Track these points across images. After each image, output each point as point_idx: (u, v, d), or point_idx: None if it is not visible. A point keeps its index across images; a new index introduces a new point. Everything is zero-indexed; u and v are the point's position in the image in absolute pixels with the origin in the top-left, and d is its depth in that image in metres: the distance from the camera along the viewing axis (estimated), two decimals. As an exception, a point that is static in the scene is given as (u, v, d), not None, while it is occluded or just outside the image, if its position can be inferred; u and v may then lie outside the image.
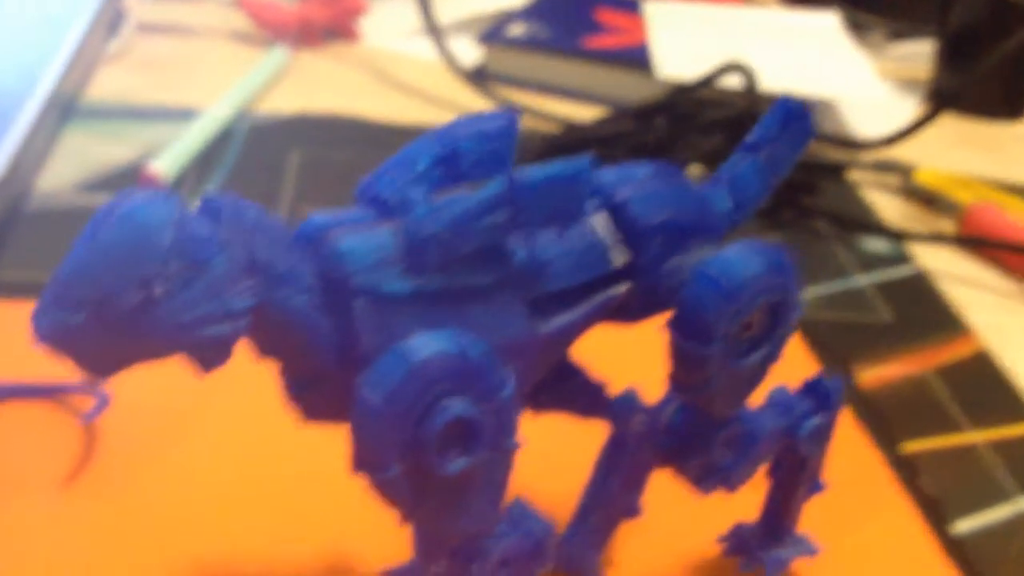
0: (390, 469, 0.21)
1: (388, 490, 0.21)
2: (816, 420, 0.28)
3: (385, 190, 0.23)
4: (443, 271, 0.22)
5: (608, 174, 0.25)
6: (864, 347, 0.44)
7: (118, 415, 0.34)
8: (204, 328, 0.20)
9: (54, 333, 0.19)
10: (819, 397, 0.29)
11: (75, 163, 0.50)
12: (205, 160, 0.51)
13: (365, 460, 0.21)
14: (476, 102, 0.61)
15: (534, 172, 0.23)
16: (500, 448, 0.22)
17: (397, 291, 0.22)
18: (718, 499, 0.29)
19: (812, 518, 0.31)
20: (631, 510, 0.30)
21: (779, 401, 0.28)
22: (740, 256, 0.25)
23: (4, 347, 0.36)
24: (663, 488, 0.30)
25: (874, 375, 0.42)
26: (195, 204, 0.21)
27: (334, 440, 0.32)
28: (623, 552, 0.31)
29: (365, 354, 0.21)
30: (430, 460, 0.21)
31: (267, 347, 0.22)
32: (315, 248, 0.22)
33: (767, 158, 0.27)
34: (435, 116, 0.59)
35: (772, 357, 0.26)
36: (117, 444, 0.33)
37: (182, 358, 0.21)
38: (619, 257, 0.25)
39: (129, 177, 0.49)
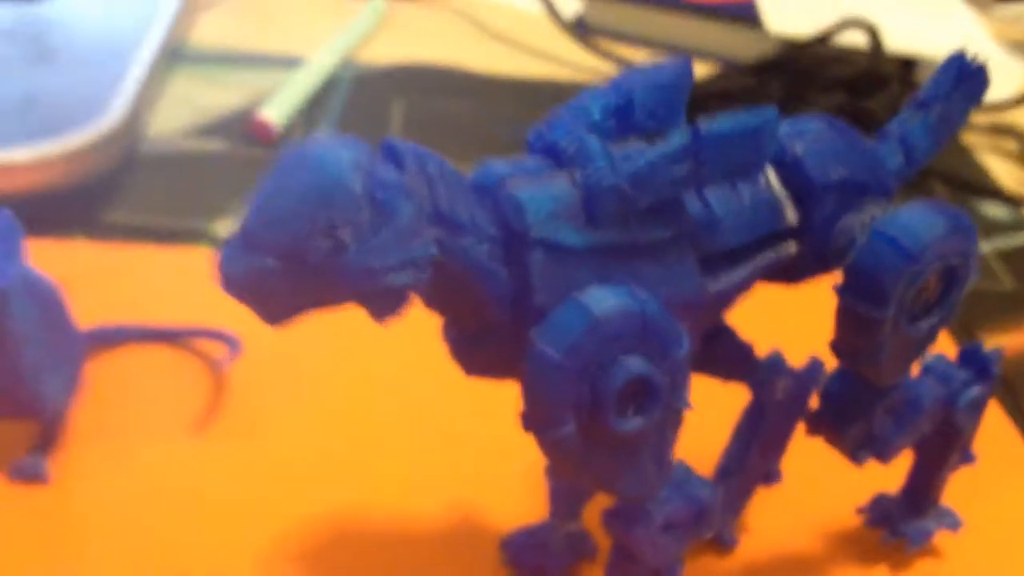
0: (564, 426, 0.20)
1: (560, 448, 0.21)
2: (976, 390, 0.27)
3: (560, 140, 0.22)
4: (619, 224, 0.22)
5: (781, 127, 0.24)
6: (987, 316, 0.43)
7: (249, 363, 0.33)
8: (389, 276, 0.19)
9: (244, 278, 0.19)
10: (977, 366, 0.28)
11: (183, 109, 0.49)
12: (312, 109, 0.51)
13: (538, 417, 0.21)
14: (577, 55, 0.60)
15: (719, 124, 0.22)
16: (672, 408, 0.21)
17: (574, 243, 0.21)
18: (857, 469, 0.28)
19: (950, 492, 0.30)
20: (770, 476, 0.30)
21: (939, 370, 0.27)
22: (922, 216, 0.24)
23: (121, 289, 0.36)
24: (802, 455, 0.30)
25: (999, 344, 0.41)
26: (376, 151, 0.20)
27: (465, 393, 0.31)
28: (759, 518, 0.30)
29: (539, 307, 0.21)
30: (607, 419, 0.21)
31: (438, 298, 0.21)
32: (493, 197, 0.21)
33: (938, 115, 0.26)
34: (535, 68, 0.58)
35: (943, 323, 0.25)
36: (248, 392, 0.33)
37: (351, 306, 0.20)
38: (791, 215, 0.24)
39: (238, 123, 0.48)
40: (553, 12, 0.59)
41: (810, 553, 0.30)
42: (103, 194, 0.42)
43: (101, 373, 0.33)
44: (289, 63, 0.54)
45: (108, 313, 0.34)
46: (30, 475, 0.29)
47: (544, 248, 0.21)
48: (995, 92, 0.58)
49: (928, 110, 0.26)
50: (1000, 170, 0.54)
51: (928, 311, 0.25)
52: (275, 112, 0.48)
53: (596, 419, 0.21)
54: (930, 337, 0.25)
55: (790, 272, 0.25)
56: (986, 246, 0.48)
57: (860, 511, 0.30)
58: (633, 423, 0.21)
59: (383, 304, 0.20)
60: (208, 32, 0.57)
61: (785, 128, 0.24)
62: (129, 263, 0.38)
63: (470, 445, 0.32)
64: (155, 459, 0.30)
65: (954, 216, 0.24)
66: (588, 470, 0.21)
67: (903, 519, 0.30)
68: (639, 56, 0.60)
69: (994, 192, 0.51)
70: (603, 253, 0.21)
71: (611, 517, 0.23)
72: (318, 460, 0.31)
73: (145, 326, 0.34)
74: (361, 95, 0.53)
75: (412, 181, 0.20)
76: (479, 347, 0.22)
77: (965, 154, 0.55)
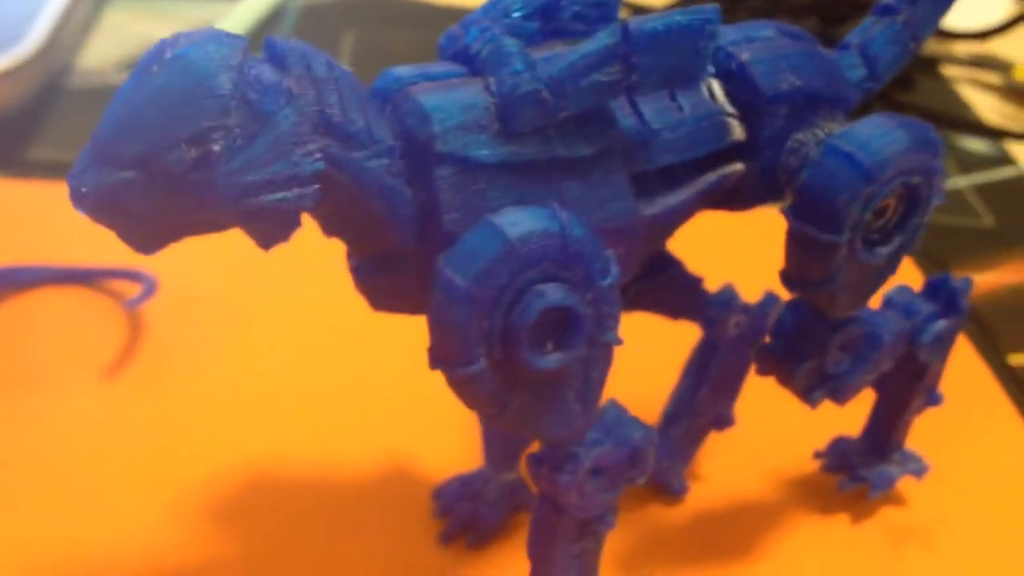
0: (475, 363, 0.18)
1: (471, 387, 0.19)
2: (941, 324, 0.25)
3: (474, 43, 0.20)
4: (539, 137, 0.19)
5: (725, 33, 0.22)
6: (964, 252, 0.40)
7: (164, 302, 0.31)
8: (267, 193, 0.17)
9: (97, 195, 0.16)
10: (944, 299, 0.26)
11: (116, 41, 0.47)
12: (256, 42, 0.48)
13: (446, 352, 0.18)
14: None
15: (651, 21, 0.20)
16: (599, 343, 0.19)
17: (486, 158, 0.19)
18: (815, 411, 0.26)
19: (915, 434, 0.28)
20: (722, 420, 0.28)
21: (901, 302, 0.25)
22: (880, 129, 0.21)
23: (41, 229, 0.34)
24: (755, 397, 0.28)
25: (976, 282, 0.38)
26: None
27: (396, 332, 0.29)
28: (711, 465, 0.28)
29: (448, 230, 0.18)
30: (521, 353, 0.18)
31: (334, 221, 0.19)
32: (394, 106, 0.19)
33: (905, 21, 0.24)
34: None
35: (905, 249, 0.23)
36: (163, 333, 0.31)
37: (238, 231, 0.18)
38: (736, 130, 0.22)
39: (174, 55, 0.46)
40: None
41: (765, 501, 0.28)
42: (24, 128, 0.39)
43: (10, 316, 0.30)
44: (232, -7, 0.51)
45: (23, 254, 0.32)
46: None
47: (452, 163, 0.18)
48: (977, 21, 0.56)
49: (893, 16, 0.24)
50: (981, 103, 0.52)
51: (887, 236, 0.22)
52: (213, 42, 0.45)
53: (511, 354, 0.18)
54: (890, 265, 0.23)
55: (738, 196, 0.23)
56: (966, 181, 0.46)
57: (818, 455, 0.28)
58: (552, 359, 0.19)
59: (264, 226, 0.17)
60: (148, -39, 0.54)
61: (732, 35, 0.22)
62: (50, 201, 0.35)
63: (400, 389, 0.30)
64: (68, 405, 0.28)
65: (917, 129, 0.22)
66: (504, 411, 0.19)
67: (864, 464, 0.28)
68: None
69: (975, 126, 0.48)
70: (520, 170, 0.19)
71: (535, 462, 0.21)
72: (238, 405, 0.29)
73: (55, 267, 0.32)
74: (310, 26, 0.50)
75: (296, 84, 0.17)
76: (382, 276, 0.20)
77: (945, 86, 0.53)
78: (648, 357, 0.27)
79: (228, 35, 0.17)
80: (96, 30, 0.47)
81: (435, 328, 0.18)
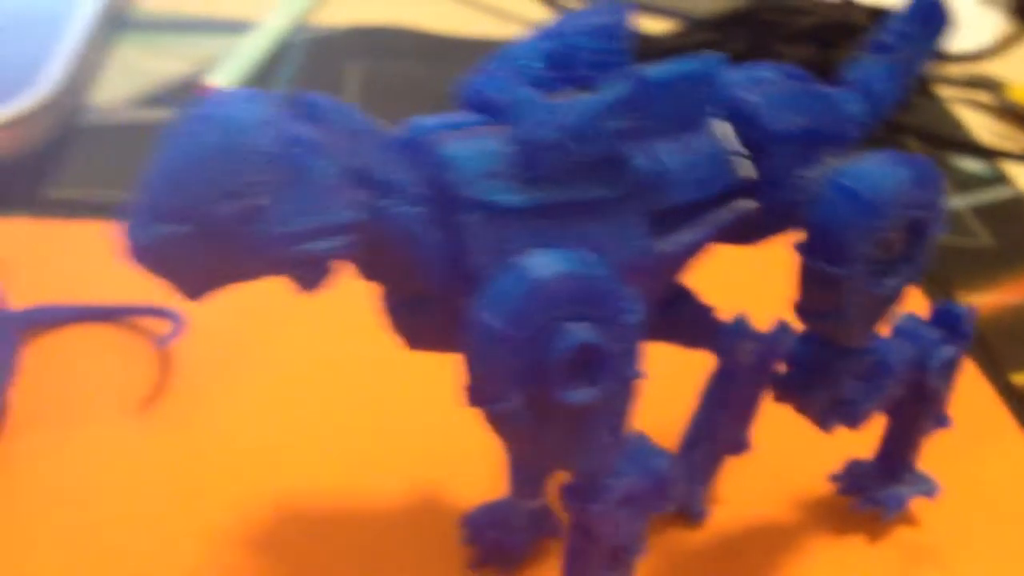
0: (509, 400, 0.19)
1: (504, 422, 0.19)
2: (948, 350, 0.26)
3: (493, 92, 0.21)
4: (559, 182, 0.20)
5: (730, 76, 0.23)
6: (964, 273, 0.41)
7: (194, 340, 0.32)
8: (307, 243, 0.18)
9: (149, 248, 0.17)
10: (950, 325, 0.26)
11: (128, 78, 0.47)
12: (263, 75, 0.49)
13: (482, 390, 0.19)
14: (538, 13, 0.58)
15: (660, 71, 0.20)
16: (624, 378, 0.20)
17: (510, 203, 0.20)
18: (829, 436, 0.27)
19: (926, 457, 0.29)
20: (738, 445, 0.28)
21: (909, 330, 0.26)
22: (882, 166, 0.22)
23: (63, 267, 0.35)
24: (772, 423, 0.28)
25: (977, 302, 0.39)
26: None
27: (421, 368, 0.30)
28: (729, 489, 0.29)
29: (475, 272, 0.19)
30: (553, 390, 0.19)
31: (369, 266, 0.20)
32: (420, 155, 0.20)
33: (901, 59, 0.25)
34: (497, 28, 0.56)
35: (910, 280, 0.24)
36: (193, 370, 0.31)
37: (278, 278, 0.19)
38: (745, 168, 0.22)
39: (185, 92, 0.46)
40: (515, -30, 0.57)
41: (783, 523, 0.29)
42: (43, 168, 0.40)
43: (41, 355, 0.31)
44: (239, 28, 0.52)
45: (49, 293, 0.32)
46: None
47: (477, 209, 0.19)
48: (970, 43, 0.57)
49: (890, 53, 0.25)
50: (976, 123, 0.53)
51: (894, 267, 0.23)
52: (224, 78, 0.46)
53: (543, 391, 0.19)
54: (897, 295, 0.24)
55: (747, 231, 0.23)
56: (962, 201, 0.47)
57: (833, 478, 0.29)
58: (582, 394, 0.19)
59: (305, 273, 0.18)
60: (156, -2, 0.55)
61: (738, 78, 0.23)
62: (71, 240, 0.36)
63: (428, 421, 0.30)
64: (99, 441, 0.29)
65: (918, 165, 0.22)
66: (538, 445, 0.20)
67: (877, 486, 0.29)
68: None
69: (970, 146, 0.50)
70: (543, 213, 0.20)
71: (567, 493, 0.21)
72: (268, 439, 0.30)
73: (86, 305, 0.32)
74: (316, 59, 0.51)
75: (330, 138, 0.18)
76: (416, 317, 0.21)
77: (939, 107, 0.54)
78: (666, 385, 0.28)
79: (264, 93, 0.18)
80: (106, 68, 0.48)
81: (471, 367, 0.19)
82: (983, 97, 0.56)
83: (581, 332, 0.19)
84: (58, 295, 0.32)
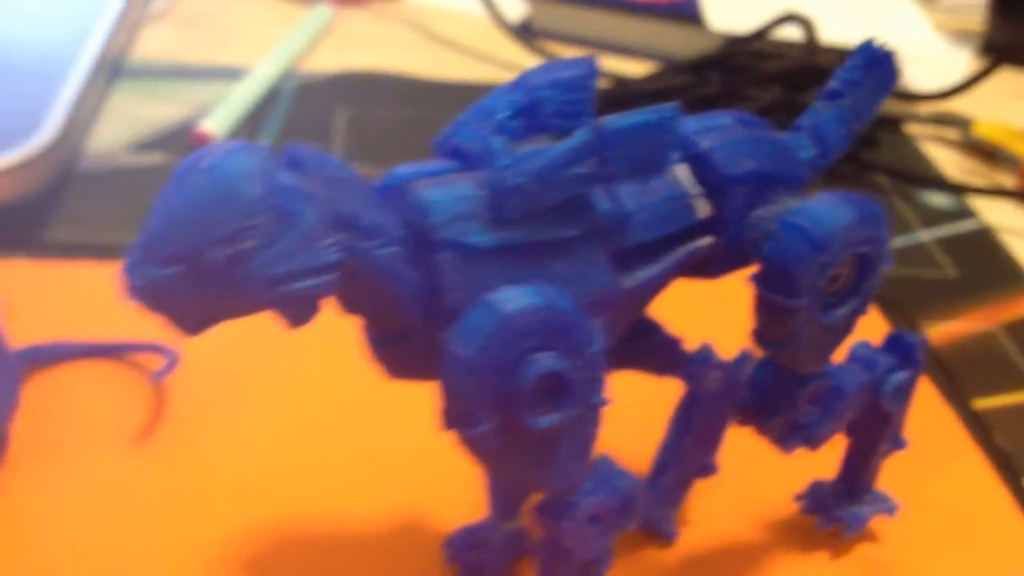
0: (480, 424, 0.21)
1: (478, 446, 0.21)
2: (900, 375, 0.28)
3: (465, 141, 0.22)
4: (527, 223, 0.22)
5: (688, 123, 0.25)
6: (929, 303, 0.43)
7: (187, 374, 0.33)
8: (294, 283, 0.19)
9: (147, 288, 0.19)
10: (902, 352, 0.28)
11: (124, 123, 0.49)
12: (254, 120, 0.51)
13: (455, 415, 0.21)
14: (522, 58, 0.60)
15: (619, 120, 0.22)
16: (589, 404, 0.22)
17: (481, 244, 0.21)
18: (793, 457, 0.29)
19: (886, 476, 0.31)
20: (706, 468, 0.30)
21: (862, 356, 0.28)
22: (829, 205, 0.24)
23: (61, 306, 0.36)
24: (738, 446, 0.30)
25: (941, 331, 0.41)
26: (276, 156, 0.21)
27: (403, 399, 0.31)
28: (698, 510, 0.31)
29: (450, 307, 0.21)
30: (521, 415, 0.21)
31: (352, 302, 0.22)
32: (399, 200, 0.21)
33: (850, 105, 0.27)
34: (480, 73, 0.58)
35: (860, 310, 0.25)
36: (186, 403, 0.33)
37: (267, 315, 0.20)
38: (703, 209, 0.24)
39: (179, 137, 0.48)
40: (497, 16, 0.60)
41: (750, 541, 0.30)
42: (42, 212, 0.42)
43: (40, 391, 0.32)
44: (232, 74, 0.54)
45: (49, 331, 0.34)
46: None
47: (452, 249, 0.21)
48: (937, 81, 0.59)
49: (840, 100, 0.26)
50: (943, 159, 0.55)
51: (843, 299, 0.25)
52: (216, 124, 0.48)
53: (512, 416, 0.21)
54: (848, 325, 0.25)
55: (707, 266, 0.25)
56: (928, 235, 0.48)
57: (797, 498, 0.31)
58: (548, 419, 0.21)
59: (292, 310, 0.20)
60: (148, 46, 0.57)
61: (693, 125, 0.25)
62: (69, 280, 0.38)
63: (409, 449, 0.32)
64: (96, 473, 0.30)
65: (862, 204, 0.24)
66: (508, 466, 0.21)
67: (839, 505, 0.30)
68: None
69: (937, 181, 0.51)
70: (512, 252, 0.22)
71: (540, 511, 0.23)
72: (258, 469, 0.31)
73: (82, 342, 0.34)
74: (304, 104, 0.53)
75: (313, 186, 0.20)
76: (396, 349, 0.22)
77: (908, 144, 0.56)
78: (636, 412, 0.30)
79: (254, 146, 0.20)
80: (102, 113, 0.50)
81: (445, 394, 0.21)
82: (950, 134, 0.58)
83: (547, 361, 0.21)
84: (56, 333, 0.34)
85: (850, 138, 0.27)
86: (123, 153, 0.47)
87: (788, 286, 0.24)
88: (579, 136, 0.21)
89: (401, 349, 0.22)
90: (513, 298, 0.21)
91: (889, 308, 0.41)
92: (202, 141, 0.47)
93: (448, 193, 0.21)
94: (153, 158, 0.47)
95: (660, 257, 0.24)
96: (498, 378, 0.20)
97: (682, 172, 0.24)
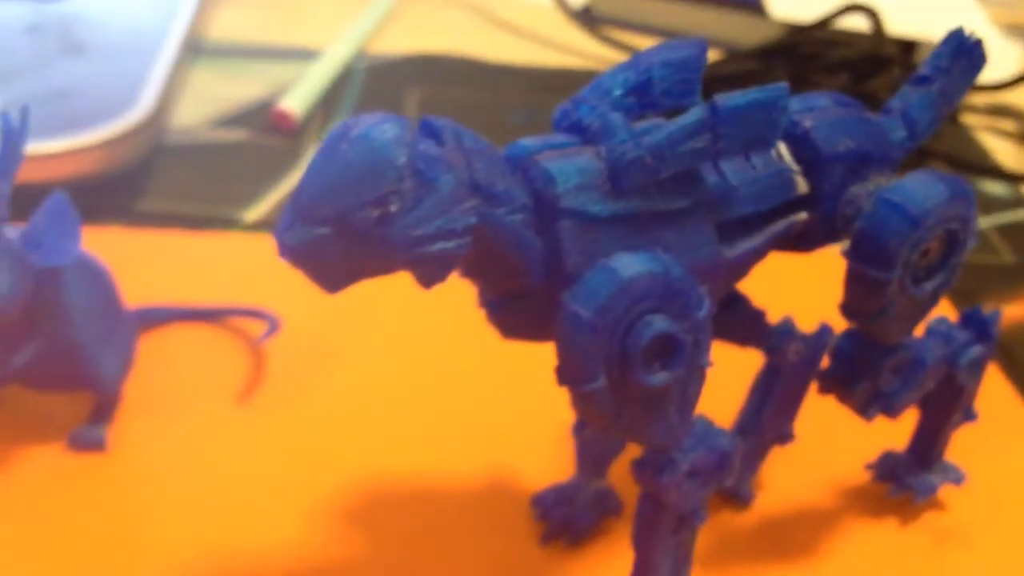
0: (596, 381, 0.22)
1: (592, 401, 0.22)
2: (976, 350, 0.29)
3: (585, 117, 0.24)
4: (641, 194, 0.23)
5: (791, 104, 0.26)
6: (987, 287, 0.44)
7: (286, 338, 0.35)
8: (432, 244, 0.21)
9: (299, 248, 0.20)
10: (977, 328, 0.29)
11: (204, 101, 0.51)
12: (329, 99, 0.52)
13: (572, 372, 0.22)
14: (584, 44, 0.61)
15: (734, 98, 0.24)
16: (695, 365, 0.23)
17: (600, 212, 0.23)
18: (864, 428, 0.30)
19: (954, 449, 0.32)
20: (783, 436, 0.31)
21: (941, 331, 0.29)
22: (924, 184, 0.25)
23: (161, 274, 0.38)
24: (814, 416, 0.31)
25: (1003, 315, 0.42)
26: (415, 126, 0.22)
27: (499, 363, 0.33)
28: (774, 476, 0.32)
29: (569, 272, 0.22)
30: (634, 373, 0.22)
31: (476, 265, 0.23)
32: (524, 170, 0.23)
33: (938, 90, 0.28)
34: (544, 57, 0.60)
35: (945, 285, 0.27)
36: (286, 365, 0.35)
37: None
38: (802, 185, 0.26)
39: (259, 114, 0.50)
40: (561, 2, 0.61)
41: (822, 507, 0.32)
42: (135, 183, 0.44)
43: (150, 350, 0.34)
44: (304, 55, 0.56)
45: (146, 296, 0.36)
46: (88, 444, 0.31)
47: (573, 217, 0.22)
48: (993, 74, 0.60)
49: (929, 85, 0.28)
50: (999, 149, 0.56)
51: (931, 273, 0.26)
52: (294, 102, 0.50)
53: (625, 374, 0.22)
54: (933, 298, 0.27)
55: (802, 240, 0.26)
56: (986, 222, 0.49)
57: (868, 467, 0.32)
58: (659, 377, 0.22)
59: (429, 271, 0.21)
60: (225, 27, 0.59)
61: (795, 104, 0.26)
62: (163, 248, 0.40)
63: (501, 410, 0.34)
64: (203, 428, 0.32)
65: (954, 183, 0.25)
66: (618, 421, 0.23)
67: (909, 474, 0.31)
68: (644, 44, 0.61)
69: (993, 170, 0.52)
70: (627, 221, 0.23)
71: (640, 466, 0.24)
72: (354, 428, 0.33)
73: (188, 306, 0.36)
74: (376, 84, 0.55)
75: (450, 154, 0.21)
76: (514, 310, 0.24)
77: (965, 134, 0.57)
78: (721, 380, 0.31)
79: (398, 117, 0.21)
80: (185, 92, 0.51)
81: (563, 352, 0.22)
82: (1007, 124, 0.58)
83: (659, 323, 0.22)
84: (155, 298, 0.36)
85: (937, 122, 0.28)
86: (205, 129, 0.49)
87: (883, 259, 0.25)
88: (695, 113, 0.23)
89: (519, 311, 0.24)
90: (631, 264, 0.22)
91: (952, 291, 0.43)
92: (282, 119, 0.49)
93: (570, 165, 0.23)
94: (234, 134, 0.48)
95: (760, 229, 0.25)
96: (614, 337, 0.22)
97: (783, 149, 0.26)
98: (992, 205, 0.51)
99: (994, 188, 0.52)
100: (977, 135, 0.57)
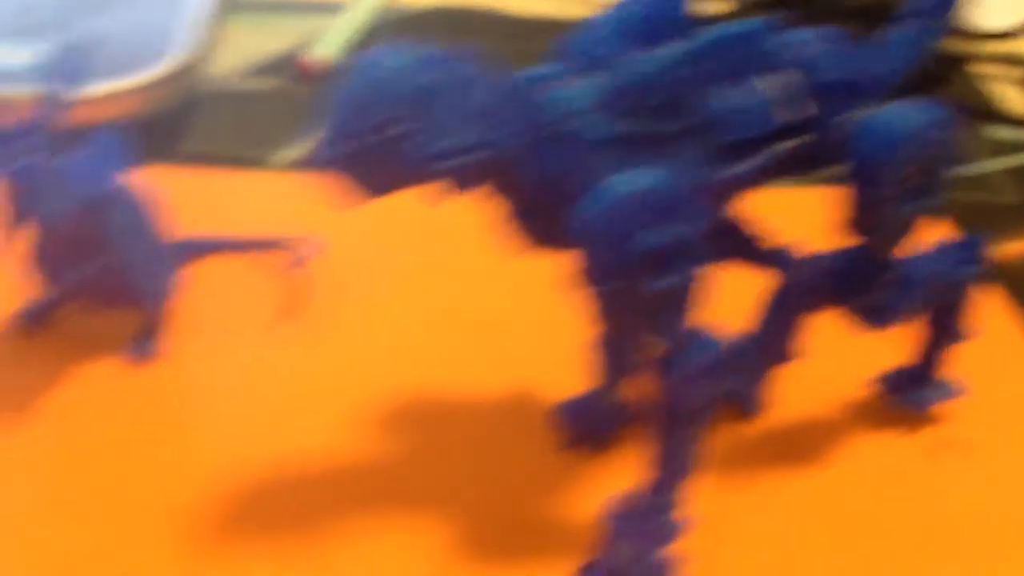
0: (605, 284, 0.24)
1: (605, 303, 0.25)
2: (964, 269, 0.31)
3: (587, 48, 0.26)
4: (639, 117, 0.26)
5: (785, 35, 0.28)
6: (994, 226, 0.46)
7: (325, 264, 0.38)
8: (443, 160, 0.23)
9: (331, 159, 0.23)
10: (967, 249, 0.31)
11: (237, 52, 0.53)
12: (355, 51, 0.54)
13: (587, 276, 0.24)
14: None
15: (713, 32, 0.26)
16: (694, 273, 0.25)
17: (603, 134, 0.25)
18: (866, 346, 0.32)
19: (960, 370, 0.34)
20: (790, 353, 0.33)
21: (935, 252, 0.31)
22: (906, 110, 0.28)
23: (204, 208, 0.40)
24: (818, 335, 0.33)
25: (1010, 250, 0.44)
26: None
27: (524, 289, 0.35)
28: (779, 390, 0.34)
29: (574, 189, 0.25)
30: (640, 278, 0.24)
31: (491, 183, 0.26)
32: (531, 96, 0.25)
33: (923, 24, 0.30)
34: (568, 9, 0.61)
35: (931, 202, 0.29)
36: (324, 290, 0.37)
37: (432, 188, 0.24)
38: (793, 112, 0.28)
39: (290, 65, 0.52)
40: (581, -44, 0.62)
41: (826, 419, 0.34)
42: (174, 126, 0.46)
43: (196, 278, 0.37)
44: (333, 9, 0.58)
45: (190, 228, 0.38)
46: (140, 354, 0.33)
47: (575, 138, 0.25)
48: (1001, 22, 0.61)
49: (914, 19, 0.30)
50: (1010, 97, 0.57)
51: (916, 193, 0.28)
52: (323, 52, 0.52)
53: (632, 278, 0.24)
54: (916, 218, 0.29)
55: (798, 164, 0.28)
56: (994, 164, 0.51)
57: (870, 382, 0.34)
58: (663, 282, 0.25)
59: (447, 182, 0.24)
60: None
61: (791, 37, 0.28)
62: (205, 185, 0.42)
63: (525, 325, 0.36)
64: (248, 345, 0.35)
65: (933, 110, 0.28)
66: (628, 320, 0.25)
67: (910, 389, 0.33)
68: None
69: (1002, 116, 0.54)
70: (627, 142, 0.25)
71: (655, 365, 0.27)
72: (390, 346, 0.35)
73: (230, 237, 0.38)
74: (402, 36, 0.56)
75: (450, 82, 0.24)
76: (532, 223, 0.26)
77: (974, 81, 0.58)
78: (729, 300, 0.33)
79: (407, 48, 0.24)
80: (222, 45, 0.54)
81: (576, 260, 0.24)
82: (1015, 72, 0.60)
83: (661, 232, 0.24)
84: (195, 230, 0.38)
85: (919, 56, 0.30)
86: (238, 78, 0.51)
87: (872, 178, 0.27)
88: (680, 45, 0.25)
89: (536, 224, 0.26)
90: (632, 180, 0.24)
91: (963, 226, 0.44)
92: (311, 68, 0.51)
93: (571, 91, 0.25)
94: (267, 83, 0.51)
95: (757, 152, 0.27)
96: (622, 244, 0.24)
97: (777, 78, 0.28)
98: (1001, 149, 0.52)
99: (1003, 133, 0.54)
100: (985, 83, 0.58)
